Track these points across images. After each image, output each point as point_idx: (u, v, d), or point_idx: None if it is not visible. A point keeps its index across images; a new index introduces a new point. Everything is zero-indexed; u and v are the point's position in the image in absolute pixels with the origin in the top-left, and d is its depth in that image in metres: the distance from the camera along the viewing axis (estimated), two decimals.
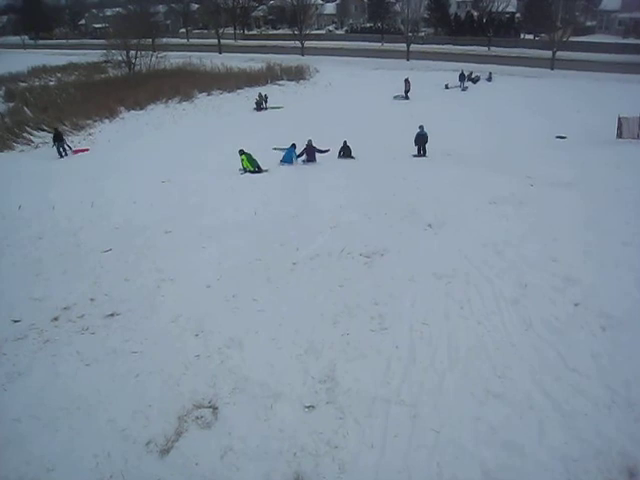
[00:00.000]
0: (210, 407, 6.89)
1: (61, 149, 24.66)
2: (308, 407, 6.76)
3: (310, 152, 20.21)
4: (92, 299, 9.91)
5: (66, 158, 24.56)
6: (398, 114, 30.98)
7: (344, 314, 8.61)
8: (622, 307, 8.30)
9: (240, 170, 19.46)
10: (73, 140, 29.08)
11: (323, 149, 20.36)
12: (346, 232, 12.02)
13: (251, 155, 19.60)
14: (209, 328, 8.54)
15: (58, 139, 24.79)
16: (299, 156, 20.33)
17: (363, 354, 7.58)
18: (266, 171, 19.40)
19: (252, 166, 19.38)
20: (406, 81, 37.26)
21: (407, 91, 36.82)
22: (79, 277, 10.89)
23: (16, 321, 9.28)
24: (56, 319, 9.28)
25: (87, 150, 25.78)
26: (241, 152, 19.59)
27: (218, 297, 9.53)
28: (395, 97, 37.01)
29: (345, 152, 21.46)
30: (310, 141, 20.17)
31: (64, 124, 31.63)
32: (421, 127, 20.97)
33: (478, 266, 9.87)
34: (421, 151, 21.17)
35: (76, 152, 25.13)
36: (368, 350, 7.65)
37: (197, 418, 6.72)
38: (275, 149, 21.44)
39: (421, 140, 20.99)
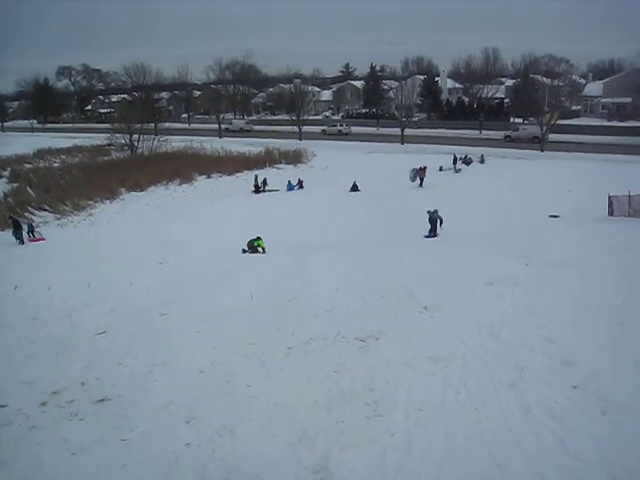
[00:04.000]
0: None
1: (18, 236, 25.01)
2: None
3: (300, 183, 37.44)
4: (83, 383, 9.72)
5: (64, 236, 24.97)
6: (392, 196, 31.70)
7: (338, 400, 8.41)
8: (623, 390, 8.10)
9: (245, 250, 19.87)
10: (73, 220, 29.64)
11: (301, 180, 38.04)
12: (342, 315, 11.96)
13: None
14: (201, 415, 8.32)
15: (16, 227, 25.23)
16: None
17: (358, 443, 7.33)
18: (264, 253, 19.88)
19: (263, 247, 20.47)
20: (422, 169, 36.81)
21: (422, 179, 36.43)
22: (71, 360, 10.73)
23: (2, 406, 9.05)
24: (44, 404, 9.05)
25: (44, 240, 25.79)
26: (258, 238, 20.43)
27: (211, 383, 9.34)
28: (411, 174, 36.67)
29: (354, 188, 35.35)
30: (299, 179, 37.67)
31: (65, 204, 32.36)
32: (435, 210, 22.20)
33: (474, 349, 9.75)
34: (432, 232, 22.04)
35: (32, 241, 25.32)
36: (363, 438, 7.40)
37: None
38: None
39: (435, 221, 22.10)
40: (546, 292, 12.60)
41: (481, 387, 8.46)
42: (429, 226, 21.99)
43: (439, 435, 7.36)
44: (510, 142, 53.96)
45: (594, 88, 74.96)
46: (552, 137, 49.19)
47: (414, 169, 36.86)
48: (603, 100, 69.57)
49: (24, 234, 25.23)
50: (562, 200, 27.76)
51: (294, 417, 8.07)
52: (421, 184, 36.34)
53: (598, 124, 60.13)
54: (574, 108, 73.26)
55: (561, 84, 59.14)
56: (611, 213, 23.45)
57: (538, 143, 49.46)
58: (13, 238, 24.83)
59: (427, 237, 21.77)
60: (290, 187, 37.58)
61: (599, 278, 13.46)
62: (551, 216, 25.18)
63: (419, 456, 6.99)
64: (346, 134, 66.05)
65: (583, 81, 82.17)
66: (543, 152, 47.39)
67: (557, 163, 41.50)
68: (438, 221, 22.05)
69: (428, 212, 22.06)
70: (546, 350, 9.58)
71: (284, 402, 8.50)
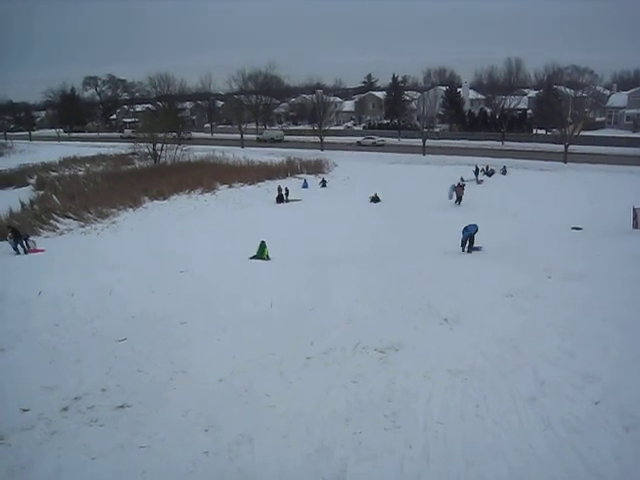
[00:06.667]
0: None
1: (18, 246, 24.56)
2: None
3: (323, 182, 41.71)
4: (103, 389, 9.82)
5: (87, 243, 25.23)
6: (413, 206, 31.61)
7: (357, 411, 8.41)
8: None
9: (255, 258, 20.05)
10: (96, 227, 30.06)
11: (326, 180, 42.73)
12: (361, 326, 11.94)
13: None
14: (219, 423, 8.38)
15: (15, 237, 24.74)
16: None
17: (375, 454, 7.32)
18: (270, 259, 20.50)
19: (267, 255, 20.59)
20: (461, 186, 33.85)
21: (460, 197, 33.11)
22: (92, 366, 10.84)
23: (25, 410, 9.18)
24: (65, 409, 9.16)
25: (43, 251, 25.23)
26: (263, 243, 20.66)
27: (230, 391, 9.40)
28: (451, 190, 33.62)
29: (374, 199, 35.26)
30: (323, 178, 43.11)
31: (89, 212, 32.82)
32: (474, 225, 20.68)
33: (494, 362, 9.67)
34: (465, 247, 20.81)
35: (31, 252, 24.94)
36: (380, 450, 7.39)
37: None
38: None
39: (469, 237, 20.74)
40: (567, 305, 12.43)
41: (500, 400, 8.39)
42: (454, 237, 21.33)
43: (457, 448, 7.31)
44: (262, 142, 73.23)
45: (619, 99, 74.10)
46: (575, 149, 48.54)
47: (452, 185, 34.04)
48: (628, 111, 68.77)
49: (21, 244, 24.55)
50: (585, 212, 27.40)
51: (312, 427, 8.08)
52: (459, 202, 33.00)
53: (623, 135, 59.40)
54: (598, 119, 72.69)
55: (585, 95, 58.66)
56: (636, 226, 23.06)
57: (278, 142, 70.67)
58: (22, 247, 24.49)
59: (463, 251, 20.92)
60: (305, 185, 41.16)
61: (621, 292, 13.23)
62: (574, 228, 24.86)
63: (437, 469, 6.96)
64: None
65: (607, 92, 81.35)
66: (566, 164, 46.87)
67: (580, 175, 40.95)
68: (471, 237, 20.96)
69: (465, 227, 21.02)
70: (567, 364, 9.46)
71: (302, 412, 8.52)
